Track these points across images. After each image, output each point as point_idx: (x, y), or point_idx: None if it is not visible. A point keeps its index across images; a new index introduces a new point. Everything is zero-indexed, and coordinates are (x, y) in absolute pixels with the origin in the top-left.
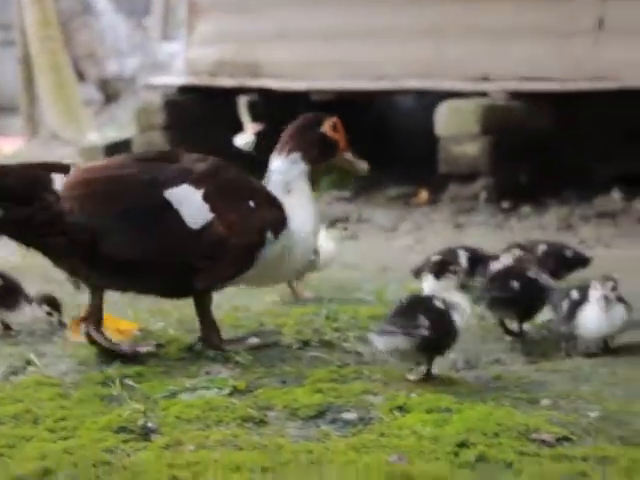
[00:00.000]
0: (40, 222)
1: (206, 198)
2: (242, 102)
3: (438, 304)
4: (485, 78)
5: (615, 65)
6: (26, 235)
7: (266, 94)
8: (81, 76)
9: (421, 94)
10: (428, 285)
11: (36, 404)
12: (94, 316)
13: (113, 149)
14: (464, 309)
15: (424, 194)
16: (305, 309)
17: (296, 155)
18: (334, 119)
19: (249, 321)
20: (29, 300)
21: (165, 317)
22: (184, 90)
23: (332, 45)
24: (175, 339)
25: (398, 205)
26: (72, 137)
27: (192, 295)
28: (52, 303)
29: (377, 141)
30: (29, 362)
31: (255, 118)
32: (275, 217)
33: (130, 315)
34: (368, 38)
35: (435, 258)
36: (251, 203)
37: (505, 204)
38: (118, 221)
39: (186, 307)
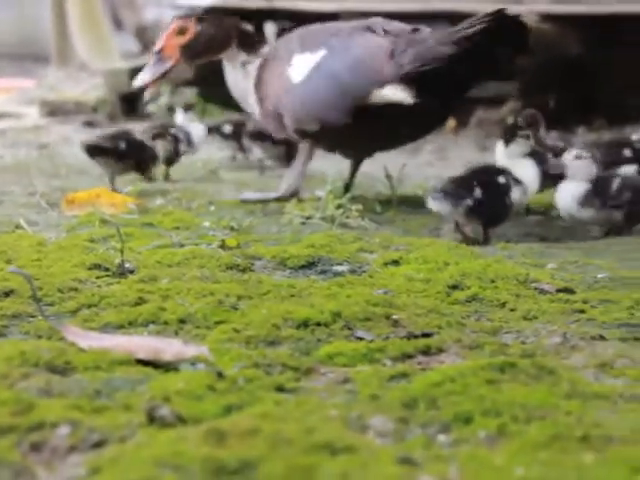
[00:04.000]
0: None
1: None
2: (269, 28)
3: (498, 178)
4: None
5: None
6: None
7: (294, 18)
8: (119, 24)
9: (452, 19)
10: (498, 151)
11: (12, 249)
12: None
13: (137, 73)
14: (526, 184)
15: (452, 123)
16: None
17: None
18: None
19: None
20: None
21: (164, 196)
22: (212, 11)
23: None
24: (171, 212)
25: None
26: (100, 66)
27: None
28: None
29: None
30: (18, 226)
31: None
32: None
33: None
34: None
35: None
36: None
37: None
38: None
39: (184, 189)
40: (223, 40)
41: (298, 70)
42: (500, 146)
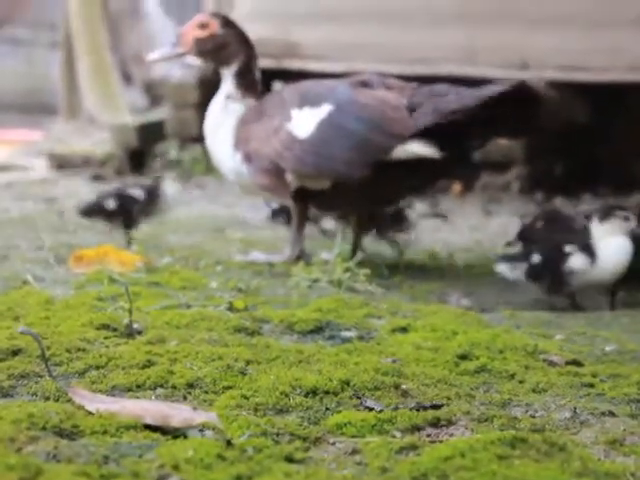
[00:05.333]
0: None
1: None
2: (276, 87)
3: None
4: (523, 66)
5: None
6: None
7: (300, 77)
8: (128, 78)
9: (460, 83)
10: (594, 227)
11: (20, 306)
12: None
13: (145, 129)
14: (604, 259)
15: (457, 187)
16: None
17: None
18: None
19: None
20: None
21: (172, 254)
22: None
23: (370, 27)
24: (178, 272)
25: (429, 196)
26: (109, 120)
27: None
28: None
29: None
30: (25, 282)
31: None
32: None
33: (136, 250)
34: (406, 21)
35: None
36: None
37: (538, 195)
38: None
39: (192, 247)
40: (231, 54)
41: (302, 125)
42: (595, 222)
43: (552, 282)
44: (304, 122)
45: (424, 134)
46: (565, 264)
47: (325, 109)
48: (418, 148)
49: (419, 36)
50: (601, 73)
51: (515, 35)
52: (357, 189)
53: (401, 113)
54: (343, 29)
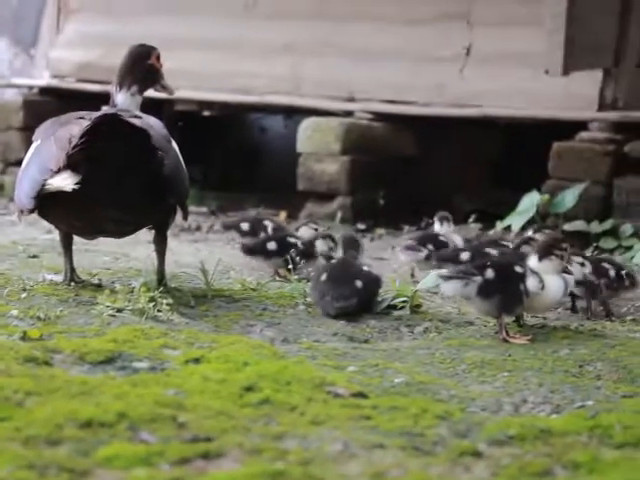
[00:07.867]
0: None
1: None
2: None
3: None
4: (350, 98)
5: (479, 93)
6: None
7: None
8: None
9: (288, 113)
10: (531, 262)
11: None
12: None
13: None
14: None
15: (283, 214)
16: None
17: (135, 88)
18: (157, 50)
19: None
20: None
21: None
22: (46, 91)
23: (196, 54)
24: None
25: None
26: None
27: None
28: None
29: (242, 161)
30: None
31: None
32: None
33: None
34: (233, 50)
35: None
36: None
37: (361, 225)
38: None
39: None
40: None
41: (26, 158)
42: (534, 259)
43: None
44: (27, 156)
45: (70, 166)
46: None
47: (36, 144)
48: (56, 181)
49: (246, 65)
50: (424, 107)
51: (341, 67)
52: (60, 217)
53: (61, 148)
54: (169, 56)
